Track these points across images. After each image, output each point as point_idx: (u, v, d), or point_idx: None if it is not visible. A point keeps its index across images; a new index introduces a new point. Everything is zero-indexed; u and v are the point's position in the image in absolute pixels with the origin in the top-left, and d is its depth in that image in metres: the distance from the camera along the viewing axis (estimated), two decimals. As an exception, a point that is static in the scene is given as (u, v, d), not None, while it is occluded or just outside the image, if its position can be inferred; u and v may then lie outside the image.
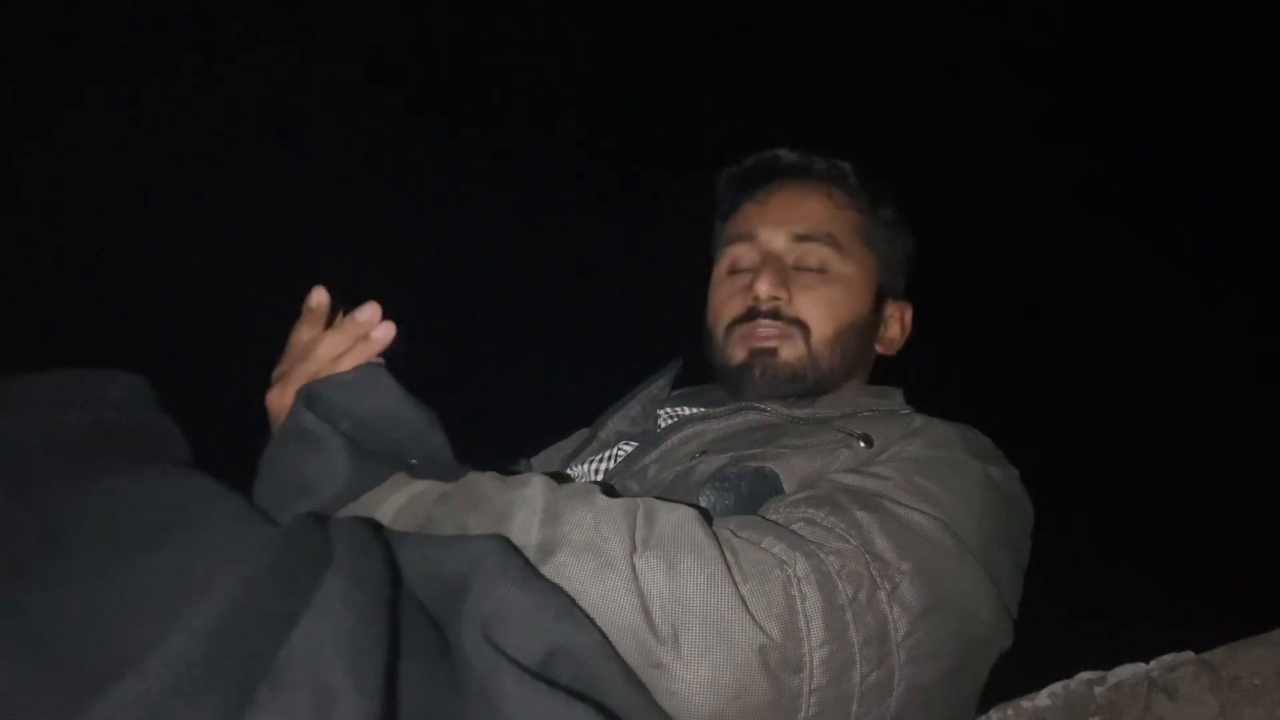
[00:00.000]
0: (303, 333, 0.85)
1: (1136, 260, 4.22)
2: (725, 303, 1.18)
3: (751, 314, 1.13)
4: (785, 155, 1.23)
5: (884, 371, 1.25)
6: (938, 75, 4.25)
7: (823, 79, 4.16)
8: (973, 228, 3.83)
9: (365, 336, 0.82)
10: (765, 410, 1.08)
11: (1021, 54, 4.23)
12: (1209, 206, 4.25)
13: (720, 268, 1.22)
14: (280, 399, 0.82)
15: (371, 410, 0.77)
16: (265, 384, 0.85)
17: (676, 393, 1.28)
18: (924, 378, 1.25)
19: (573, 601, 0.65)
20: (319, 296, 0.85)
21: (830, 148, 1.24)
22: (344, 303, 0.85)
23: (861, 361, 1.20)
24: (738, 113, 3.92)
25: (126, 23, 3.50)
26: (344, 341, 0.82)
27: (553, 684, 0.56)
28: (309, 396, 0.76)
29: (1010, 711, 0.86)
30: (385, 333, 0.82)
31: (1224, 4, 3.92)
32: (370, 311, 0.82)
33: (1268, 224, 4.08)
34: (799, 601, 0.71)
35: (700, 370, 1.26)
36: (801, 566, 0.73)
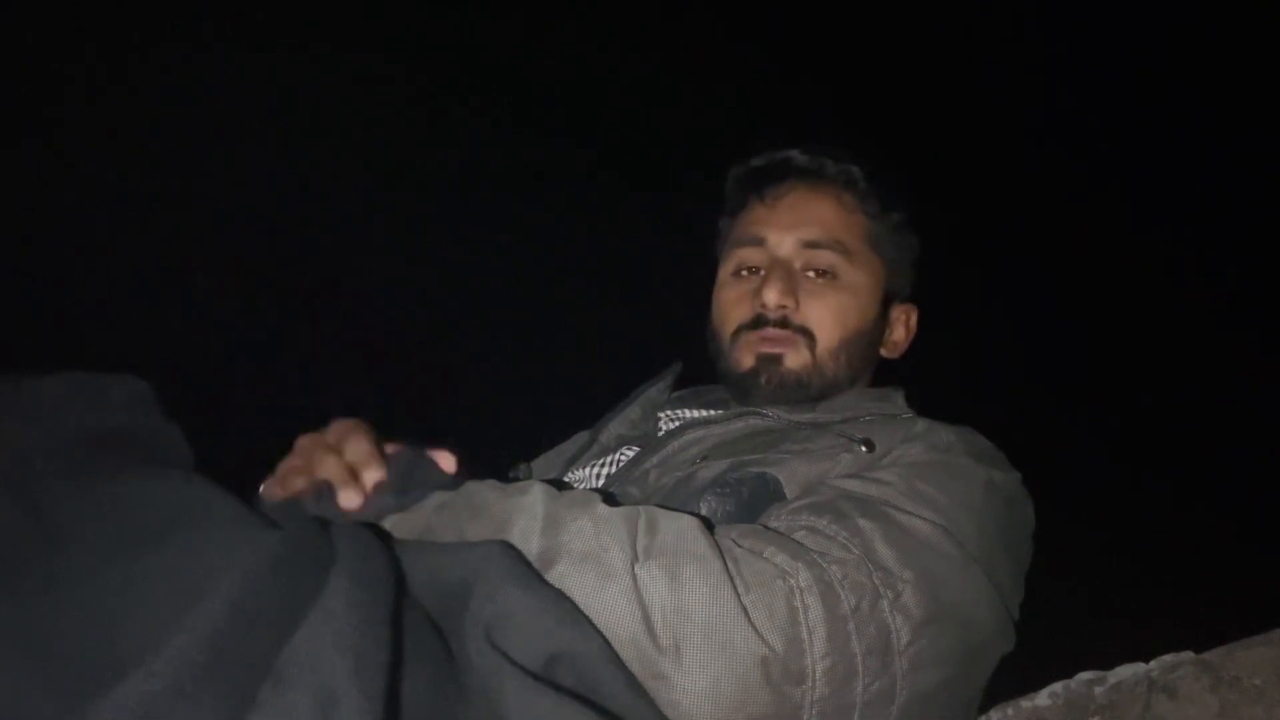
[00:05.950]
0: (310, 441, 0.82)
1: (1139, 261, 4.22)
2: (732, 306, 1.17)
3: (759, 321, 1.13)
4: (797, 156, 1.20)
5: (887, 371, 1.25)
6: (936, 75, 4.25)
7: (826, 80, 4.16)
8: (974, 228, 3.83)
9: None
10: (767, 415, 1.08)
11: (1024, 54, 4.24)
12: (1210, 207, 4.25)
13: (726, 268, 1.21)
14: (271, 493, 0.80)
15: None
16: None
17: (676, 394, 1.27)
18: (926, 378, 1.25)
19: (575, 606, 0.65)
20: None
21: (837, 148, 1.22)
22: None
23: (866, 366, 1.20)
24: (740, 115, 3.91)
25: (125, 22, 3.51)
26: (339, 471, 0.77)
27: (555, 688, 0.56)
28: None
29: (1010, 711, 0.86)
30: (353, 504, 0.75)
31: (1226, 4, 3.92)
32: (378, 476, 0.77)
33: (1269, 223, 4.08)
34: (801, 612, 0.71)
35: (700, 368, 1.26)
36: (804, 577, 0.72)
